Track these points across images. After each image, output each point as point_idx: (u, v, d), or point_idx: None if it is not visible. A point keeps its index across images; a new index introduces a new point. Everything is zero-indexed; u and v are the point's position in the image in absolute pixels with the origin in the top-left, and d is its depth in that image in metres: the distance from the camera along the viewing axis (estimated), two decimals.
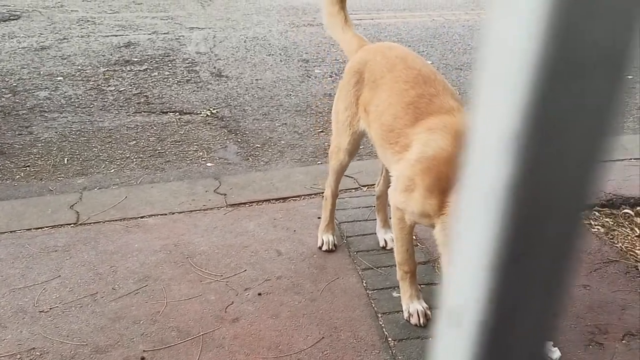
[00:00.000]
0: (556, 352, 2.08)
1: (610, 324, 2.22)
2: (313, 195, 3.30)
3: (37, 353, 2.12)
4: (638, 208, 2.92)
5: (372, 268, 2.61)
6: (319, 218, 3.06)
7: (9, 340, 2.18)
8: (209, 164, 3.88)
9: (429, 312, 2.30)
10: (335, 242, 2.80)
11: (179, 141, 4.17)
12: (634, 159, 3.53)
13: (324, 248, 2.77)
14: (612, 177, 3.22)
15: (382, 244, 2.82)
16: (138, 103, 4.73)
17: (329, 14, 2.67)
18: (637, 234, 2.73)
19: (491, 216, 0.23)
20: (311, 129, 4.45)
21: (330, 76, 5.55)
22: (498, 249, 0.23)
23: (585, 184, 0.24)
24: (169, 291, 2.46)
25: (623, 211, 2.92)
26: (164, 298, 2.41)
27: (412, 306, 2.32)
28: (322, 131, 4.43)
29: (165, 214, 3.07)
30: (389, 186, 2.74)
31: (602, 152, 0.25)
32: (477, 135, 0.25)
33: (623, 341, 2.18)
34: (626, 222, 2.82)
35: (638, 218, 2.86)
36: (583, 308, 2.35)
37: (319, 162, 3.91)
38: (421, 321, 2.28)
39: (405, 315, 2.31)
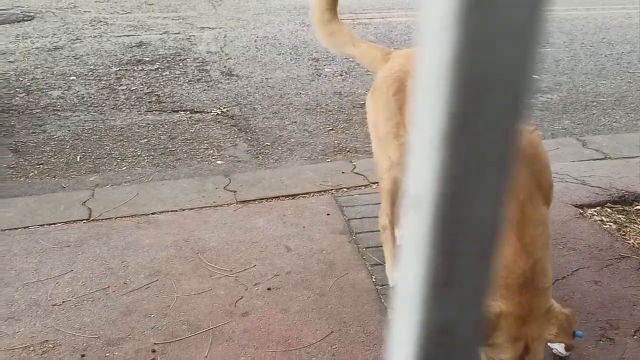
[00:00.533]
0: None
1: (621, 319, 2.21)
2: (322, 193, 3.31)
3: (50, 345, 2.15)
4: None
5: (381, 264, 2.61)
6: (328, 214, 3.07)
7: (22, 332, 2.21)
8: (219, 162, 3.91)
9: None
10: None
11: (190, 139, 4.19)
12: None
13: None
14: (625, 174, 3.20)
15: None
16: (149, 102, 4.77)
17: (325, 33, 2.49)
18: None
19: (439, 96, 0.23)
20: (321, 127, 4.46)
21: (341, 75, 5.56)
22: (446, 124, 0.23)
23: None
24: (179, 286, 2.47)
25: (635, 208, 2.90)
26: (174, 292, 2.43)
27: None
28: (331, 129, 4.43)
29: (176, 211, 3.09)
30: None
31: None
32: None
33: (634, 336, 2.17)
34: (638, 219, 2.80)
35: None
36: (594, 304, 2.33)
37: (329, 160, 3.92)
38: None
39: None
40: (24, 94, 4.86)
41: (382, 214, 2.50)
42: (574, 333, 1.70)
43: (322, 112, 4.74)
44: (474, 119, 0.23)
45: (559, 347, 2.04)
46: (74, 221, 2.97)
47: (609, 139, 3.93)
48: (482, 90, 0.22)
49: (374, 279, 2.54)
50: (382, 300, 2.40)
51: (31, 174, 3.65)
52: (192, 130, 4.33)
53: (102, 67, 5.48)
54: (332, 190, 3.34)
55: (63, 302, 2.37)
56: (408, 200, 0.24)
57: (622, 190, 3.06)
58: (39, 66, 5.49)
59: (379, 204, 3.17)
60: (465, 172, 0.23)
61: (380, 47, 2.50)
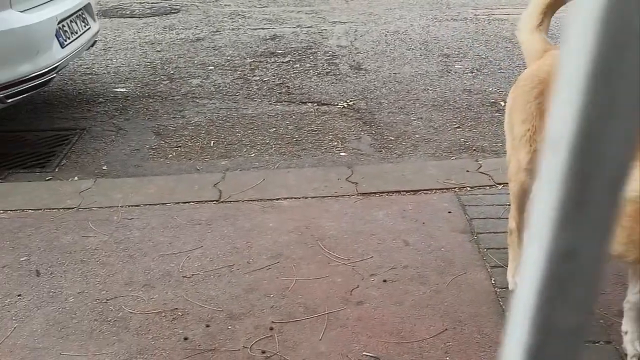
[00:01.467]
0: None
1: None
2: (445, 190, 3.26)
3: (179, 313, 2.32)
4: None
5: (502, 266, 2.53)
6: (450, 212, 3.02)
7: (156, 299, 2.41)
8: (342, 154, 3.97)
9: None
10: None
11: (316, 130, 4.30)
12: None
13: None
14: None
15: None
16: (280, 93, 4.96)
17: (528, 14, 2.35)
18: None
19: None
20: (447, 124, 4.39)
21: (471, 72, 5.42)
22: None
23: None
24: (298, 269, 2.57)
25: None
26: (293, 275, 2.53)
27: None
28: (458, 127, 4.35)
29: (299, 198, 3.20)
30: None
31: None
32: None
33: None
34: None
35: None
36: None
37: (453, 158, 3.85)
38: None
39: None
40: (167, 81, 5.25)
41: (511, 217, 2.43)
42: None
43: (450, 109, 4.66)
44: (614, 67, 0.23)
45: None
46: (205, 201, 3.17)
47: None
48: (624, 41, 0.23)
49: (494, 281, 2.47)
50: (501, 303, 2.33)
51: (170, 155, 3.94)
52: (319, 122, 4.44)
53: (238, 58, 5.78)
54: (455, 188, 3.28)
55: (192, 274, 2.55)
56: (547, 145, 0.25)
57: None
58: (182, 56, 5.89)
59: (505, 205, 3.07)
60: (601, 115, 0.23)
61: (546, 41, 2.30)
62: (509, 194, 3.18)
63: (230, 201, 3.17)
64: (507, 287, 2.40)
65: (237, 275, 2.54)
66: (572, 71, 0.25)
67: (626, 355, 2.01)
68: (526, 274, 0.25)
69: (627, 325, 2.00)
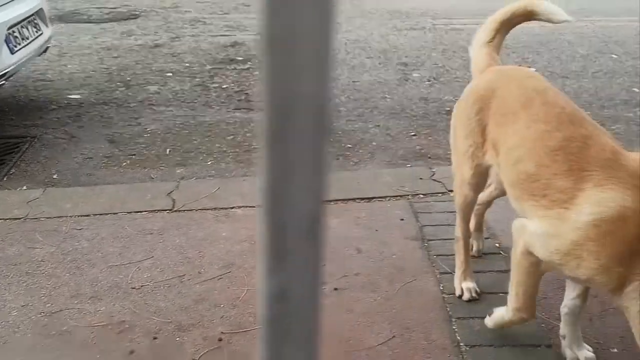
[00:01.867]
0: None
1: None
2: (398, 197, 3.30)
3: (126, 326, 2.29)
4: None
5: (450, 273, 2.57)
6: (402, 220, 3.06)
7: (102, 312, 2.37)
8: None
9: (476, 290, 2.37)
10: (478, 290, 2.44)
11: None
12: None
13: (466, 297, 2.41)
14: None
15: (476, 248, 2.71)
16: (239, 100, 4.94)
17: (481, 30, 2.40)
18: None
19: None
20: (404, 132, 4.44)
21: (429, 80, 5.50)
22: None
23: None
24: (250, 279, 2.56)
25: None
26: (245, 285, 2.52)
27: (463, 285, 2.32)
28: (414, 135, 4.40)
29: (254, 207, 3.18)
30: (496, 195, 2.54)
31: None
32: None
33: None
34: None
35: None
36: None
37: (409, 165, 3.90)
38: (472, 295, 2.35)
39: (457, 292, 2.37)
40: (123, 88, 5.18)
41: (457, 226, 2.48)
42: None
43: (407, 117, 4.72)
44: (285, 133, 0.25)
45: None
46: (158, 210, 3.14)
47: None
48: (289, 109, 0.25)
49: (442, 287, 2.50)
50: (448, 309, 2.36)
51: (124, 164, 3.89)
52: None
53: (197, 65, 5.74)
54: (408, 195, 3.32)
55: (141, 286, 2.52)
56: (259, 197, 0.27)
57: None
58: (139, 62, 5.83)
59: (454, 212, 3.12)
60: (284, 173, 0.25)
61: (492, 57, 2.34)
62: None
63: (184, 210, 3.14)
64: (454, 294, 2.44)
65: (187, 286, 2.52)
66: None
67: (565, 359, 2.06)
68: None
69: (564, 329, 2.06)
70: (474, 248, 2.70)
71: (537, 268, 1.86)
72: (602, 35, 6.88)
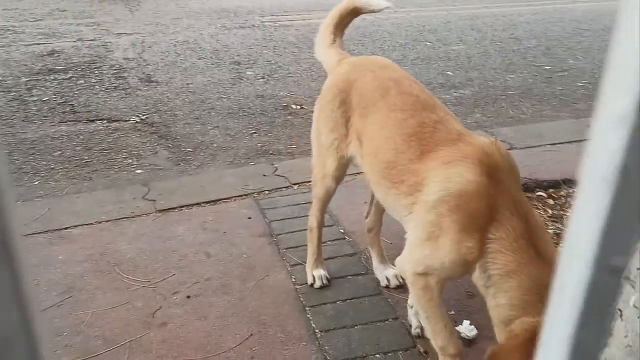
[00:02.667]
0: (473, 330, 2.17)
1: None
2: (243, 197, 3.31)
3: None
4: (550, 190, 3.07)
5: (301, 263, 2.64)
6: (249, 218, 3.08)
7: None
8: (138, 171, 3.83)
9: (328, 277, 2.47)
10: (328, 276, 2.51)
11: (107, 149, 4.09)
12: (549, 144, 3.70)
13: (317, 285, 2.48)
14: (528, 163, 3.37)
15: (384, 283, 2.49)
16: (63, 112, 4.62)
17: (320, 36, 2.49)
18: (549, 214, 2.87)
19: None
20: (243, 131, 4.46)
21: (262, 77, 5.57)
22: None
23: None
24: (94, 301, 2.42)
25: (537, 194, 3.06)
26: (88, 308, 2.37)
27: (315, 272, 2.42)
28: (254, 132, 4.44)
29: (91, 224, 3.01)
30: (381, 215, 2.49)
31: None
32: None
33: None
34: (540, 204, 2.96)
35: (550, 200, 3.01)
36: None
37: (251, 163, 3.92)
38: (323, 282, 2.45)
39: (309, 281, 2.47)
40: None
41: (312, 216, 2.51)
42: None
43: (245, 115, 4.73)
44: None
45: (466, 330, 2.13)
46: None
47: (514, 130, 4.13)
48: None
49: (294, 278, 2.56)
50: (301, 299, 2.43)
51: None
52: (110, 140, 4.22)
53: (10, 77, 5.26)
54: (253, 193, 3.34)
55: None
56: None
57: (525, 178, 3.21)
58: None
59: (299, 204, 3.20)
60: None
61: (340, 52, 2.41)
62: (304, 193, 3.34)
63: None
64: (307, 283, 2.51)
65: None
66: None
67: (411, 326, 2.23)
68: None
69: (412, 299, 2.20)
70: (390, 282, 2.52)
71: (432, 290, 1.80)
72: (416, 24, 7.44)
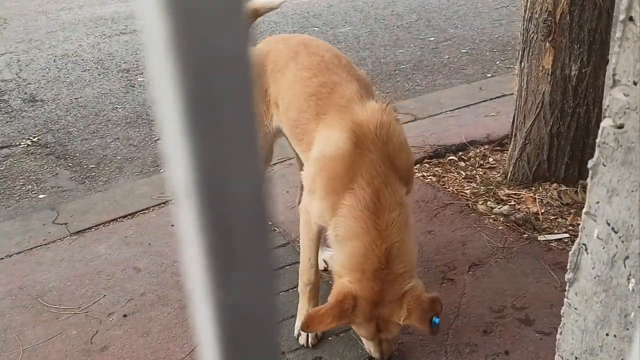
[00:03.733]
0: None
1: (456, 259, 2.46)
2: (162, 205, 3.22)
3: None
4: (460, 153, 3.24)
5: None
6: (173, 225, 3.00)
7: None
8: (41, 196, 3.61)
9: (319, 333, 2.14)
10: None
11: (1, 178, 3.82)
12: (449, 110, 3.90)
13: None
14: (434, 130, 3.54)
15: (322, 266, 2.46)
16: None
17: None
18: (463, 177, 3.04)
19: None
20: (147, 139, 4.32)
21: None
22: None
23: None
24: (23, 338, 2.27)
25: (448, 159, 3.22)
26: (19, 346, 2.23)
27: None
28: (158, 139, 4.31)
29: (2, 258, 2.81)
30: None
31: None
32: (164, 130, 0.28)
33: (470, 272, 2.43)
34: (452, 168, 3.12)
35: (461, 162, 3.18)
36: (431, 251, 2.57)
37: (162, 170, 3.81)
38: (309, 342, 2.12)
39: (295, 332, 2.16)
40: None
41: None
42: (431, 319, 1.74)
43: (145, 123, 4.58)
44: (211, 104, 0.25)
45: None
46: None
47: (414, 102, 4.30)
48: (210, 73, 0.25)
49: None
50: None
51: None
52: (2, 168, 3.94)
53: None
54: (171, 200, 3.25)
55: None
56: (175, 190, 0.26)
57: (434, 145, 3.38)
58: None
59: None
60: (217, 157, 0.25)
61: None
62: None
63: None
64: None
65: None
66: (170, 114, 0.26)
67: None
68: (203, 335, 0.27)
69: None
70: (328, 265, 2.57)
71: (310, 226, 2.03)
72: (300, 11, 7.49)
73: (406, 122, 3.88)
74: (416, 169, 3.16)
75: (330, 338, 2.15)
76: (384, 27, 6.63)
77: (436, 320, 1.76)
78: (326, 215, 1.86)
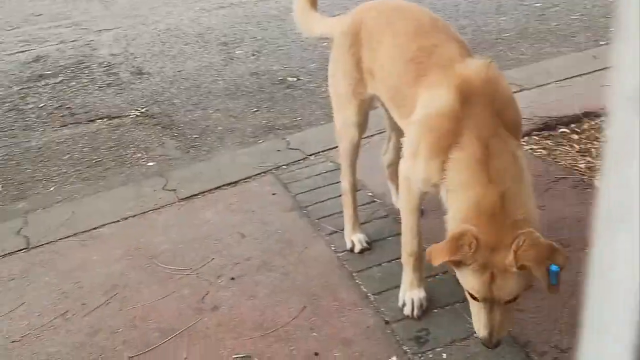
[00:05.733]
0: None
1: (571, 237, 2.34)
2: (262, 174, 3.28)
3: None
4: (572, 125, 3.07)
5: (337, 231, 2.64)
6: (274, 194, 3.06)
7: None
8: (150, 164, 3.80)
9: (424, 302, 2.10)
10: (368, 239, 2.49)
11: (114, 146, 4.04)
12: (559, 80, 3.69)
13: (357, 249, 2.46)
14: (543, 101, 3.37)
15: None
16: (62, 116, 4.55)
17: (303, 21, 2.55)
18: (577, 150, 2.88)
19: None
20: (245, 110, 4.42)
21: (253, 55, 5.49)
22: None
23: None
24: (140, 295, 2.41)
25: (560, 131, 3.06)
26: (137, 302, 2.37)
27: (408, 294, 2.11)
28: (256, 110, 4.40)
29: (118, 221, 2.99)
30: (399, 150, 2.47)
31: None
32: None
33: (585, 250, 2.31)
34: (564, 141, 2.96)
35: (574, 135, 3.01)
36: (543, 228, 2.46)
37: (260, 141, 3.89)
38: (415, 313, 2.08)
39: (400, 302, 2.13)
40: None
41: (343, 179, 2.53)
42: (550, 267, 1.62)
43: (243, 94, 4.68)
44: None
45: None
46: (11, 253, 2.82)
47: (520, 71, 4.10)
48: None
49: (333, 247, 2.56)
50: (346, 266, 2.43)
51: None
52: (115, 137, 4.18)
53: (1, 88, 5.16)
54: (271, 169, 3.32)
55: (22, 337, 2.26)
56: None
57: (544, 117, 3.21)
58: None
59: (321, 173, 3.19)
60: None
61: (323, 16, 2.52)
62: (322, 162, 3.33)
63: (42, 245, 2.85)
64: (347, 250, 2.51)
65: (74, 322, 2.31)
66: None
67: None
68: None
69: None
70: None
71: (413, 194, 1.99)
72: None
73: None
74: (524, 141, 3.03)
75: (435, 310, 2.13)
76: None
77: (554, 268, 1.60)
78: (434, 176, 1.83)
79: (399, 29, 2.07)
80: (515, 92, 3.73)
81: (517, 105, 1.93)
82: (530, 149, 2.96)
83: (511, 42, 4.95)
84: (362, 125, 2.36)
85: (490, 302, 1.71)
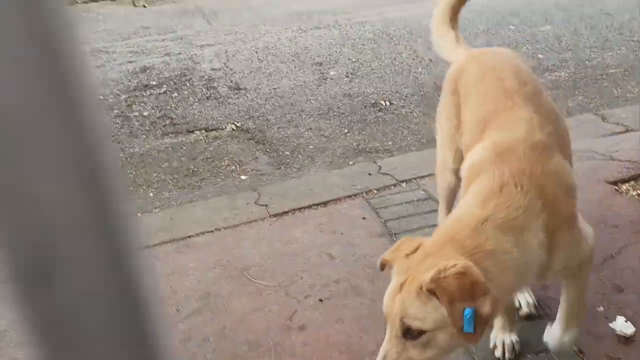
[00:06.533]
0: (630, 327, 2.07)
1: None
2: (353, 197, 3.31)
3: None
4: None
5: None
6: (364, 218, 3.07)
7: None
8: (243, 177, 3.92)
9: (517, 346, 2.04)
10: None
11: (210, 158, 4.21)
12: None
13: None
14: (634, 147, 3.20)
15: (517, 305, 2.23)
16: (164, 125, 4.79)
17: (438, 36, 2.46)
18: None
19: None
20: (337, 131, 4.48)
21: (347, 76, 5.57)
22: None
23: None
24: (231, 305, 2.49)
25: None
26: (227, 312, 2.44)
27: (499, 337, 2.05)
28: (347, 132, 4.45)
29: (212, 231, 3.10)
30: None
31: None
32: None
33: None
34: None
35: None
36: None
37: (351, 163, 3.93)
38: (507, 356, 2.02)
39: (491, 344, 2.06)
40: None
41: (440, 211, 2.52)
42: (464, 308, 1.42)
43: (335, 115, 4.76)
44: None
45: (622, 327, 2.04)
46: None
47: (627, 110, 3.93)
48: None
49: None
50: None
51: None
52: (211, 149, 4.35)
53: (111, 96, 5.50)
54: (362, 193, 3.34)
55: None
56: None
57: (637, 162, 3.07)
58: None
59: (412, 201, 3.18)
60: None
61: (467, 49, 2.37)
62: (414, 190, 3.31)
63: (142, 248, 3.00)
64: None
65: (169, 326, 2.41)
66: None
67: None
68: None
69: None
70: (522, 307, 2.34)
71: None
72: (496, 8, 7.23)
73: (617, 133, 3.57)
74: (630, 186, 2.90)
75: (529, 355, 2.06)
76: (590, 27, 6.16)
77: (467, 312, 1.35)
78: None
79: (484, 88, 2.02)
80: (620, 132, 3.60)
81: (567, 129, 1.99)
82: (637, 194, 2.82)
83: (617, 79, 4.76)
84: (459, 172, 2.24)
85: (391, 323, 1.58)
